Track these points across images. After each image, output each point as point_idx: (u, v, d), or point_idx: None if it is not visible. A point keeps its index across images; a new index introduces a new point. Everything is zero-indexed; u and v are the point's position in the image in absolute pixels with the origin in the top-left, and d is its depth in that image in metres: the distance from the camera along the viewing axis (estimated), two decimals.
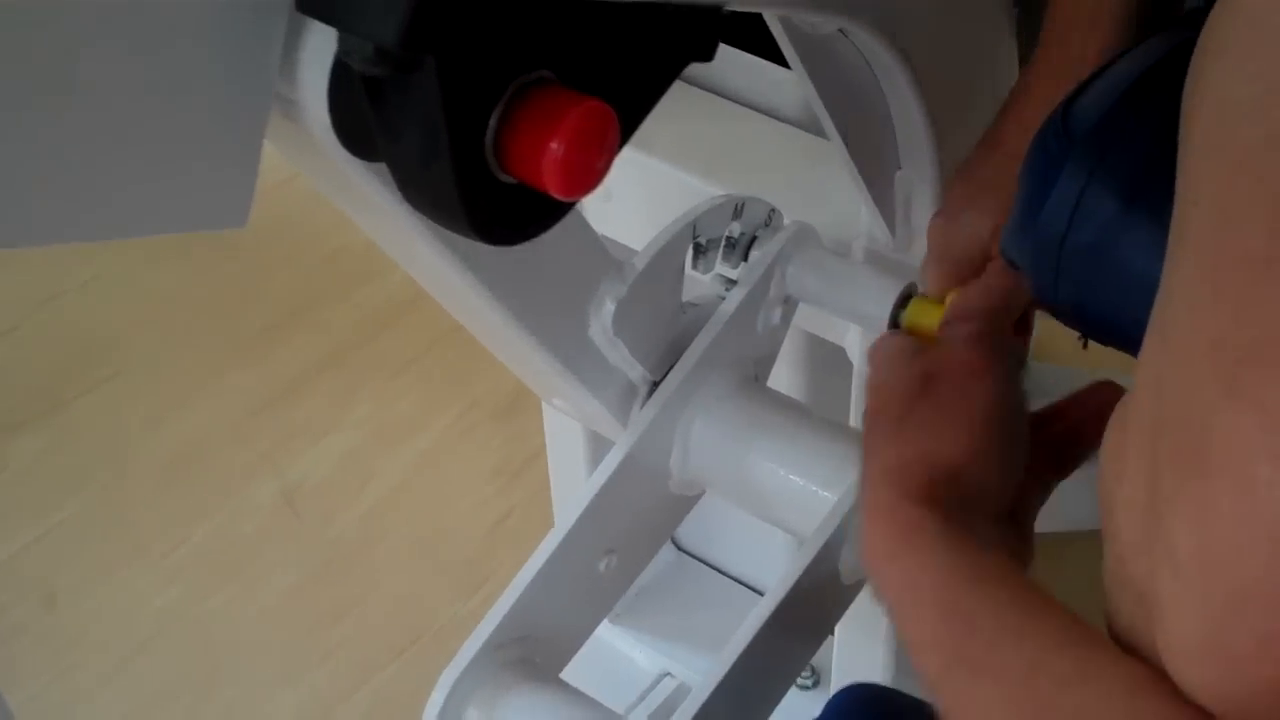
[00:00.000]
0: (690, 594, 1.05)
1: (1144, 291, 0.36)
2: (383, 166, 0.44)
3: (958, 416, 0.49)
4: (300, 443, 1.25)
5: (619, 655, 1.04)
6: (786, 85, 0.76)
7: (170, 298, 1.39)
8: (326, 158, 0.45)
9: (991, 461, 0.48)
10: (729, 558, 1.06)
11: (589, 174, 0.41)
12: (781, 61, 0.74)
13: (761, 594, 0.63)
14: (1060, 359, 1.19)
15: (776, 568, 1.01)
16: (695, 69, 0.77)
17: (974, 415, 0.48)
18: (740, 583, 1.06)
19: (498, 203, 0.42)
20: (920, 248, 0.67)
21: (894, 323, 0.63)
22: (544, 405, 0.94)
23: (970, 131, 0.62)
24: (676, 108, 0.77)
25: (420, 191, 0.41)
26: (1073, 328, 0.48)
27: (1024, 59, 0.66)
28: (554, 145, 0.40)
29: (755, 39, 0.75)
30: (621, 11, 0.42)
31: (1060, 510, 0.77)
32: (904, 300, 0.62)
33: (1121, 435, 0.36)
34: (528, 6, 0.39)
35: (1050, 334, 1.17)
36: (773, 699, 0.62)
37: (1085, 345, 0.50)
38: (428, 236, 0.51)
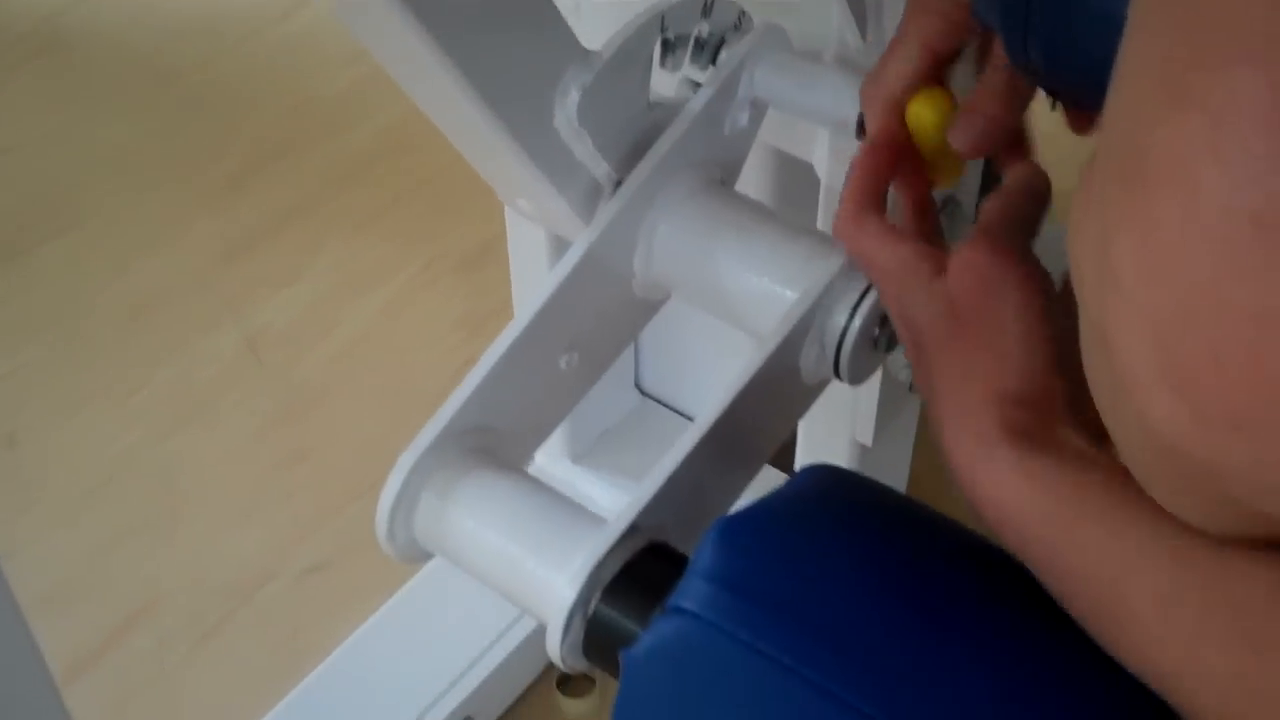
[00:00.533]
0: (653, 437, 1.05)
1: (1110, 33, 0.36)
2: None
3: (1001, 342, 0.48)
4: (264, 291, 1.24)
5: (581, 496, 1.04)
6: None
7: (133, 150, 1.37)
8: None
9: (1053, 365, 0.48)
10: (692, 401, 1.06)
11: None
12: None
13: None
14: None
15: None
16: None
17: (1017, 333, 0.48)
18: None
19: None
20: None
21: (862, 126, 0.62)
22: (508, 225, 0.93)
23: None
24: None
25: None
26: (1045, 86, 0.48)
27: None
28: None
29: None
30: None
31: None
32: None
33: (1084, 189, 0.35)
34: None
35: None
36: (739, 486, 0.62)
37: (1054, 107, 0.50)
38: (408, 17, 0.51)
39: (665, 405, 1.08)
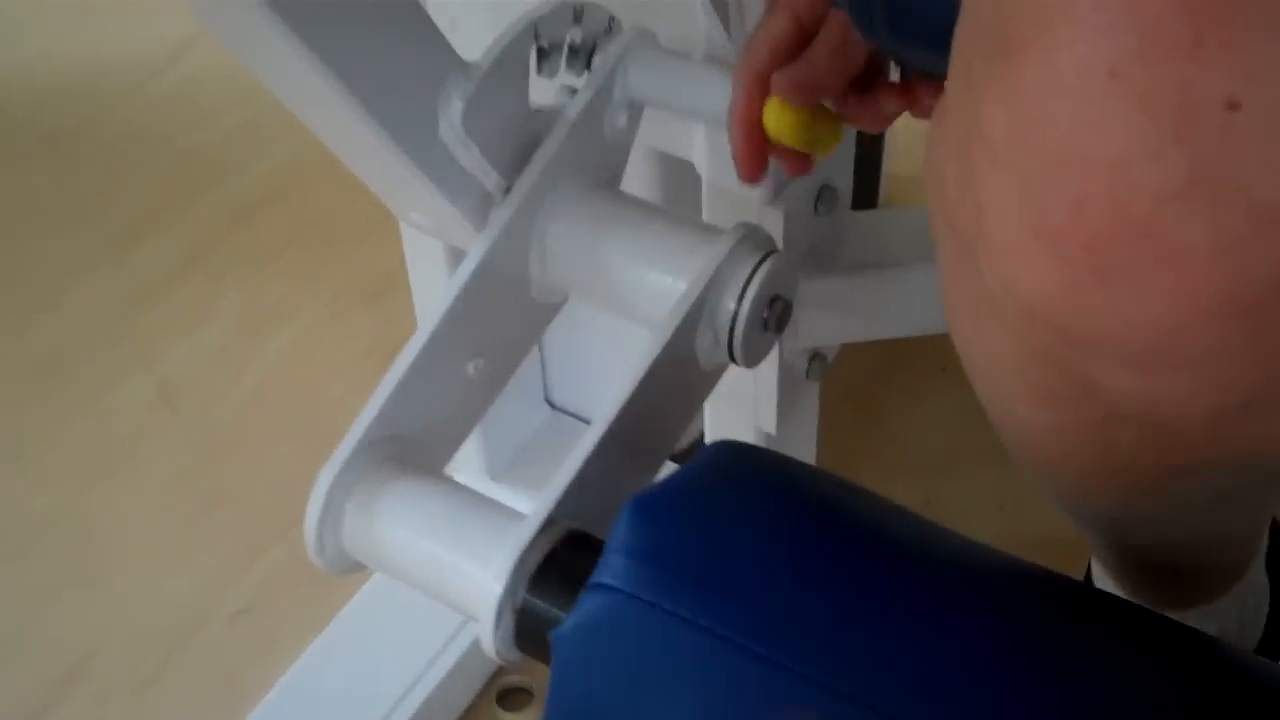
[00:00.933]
0: (567, 448, 1.07)
1: (946, 3, 0.38)
2: None
3: None
4: (170, 339, 1.24)
5: None
6: None
7: (22, 210, 1.37)
8: None
9: None
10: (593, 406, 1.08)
11: None
12: None
13: None
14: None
15: None
16: None
17: None
18: None
19: None
20: None
21: None
22: (406, 246, 0.95)
23: None
24: None
25: None
26: (890, 55, 0.51)
27: None
28: None
29: None
30: None
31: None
32: None
33: (940, 110, 0.38)
34: None
35: (906, 178, 1.21)
36: (649, 474, 0.64)
37: (902, 77, 0.52)
38: (291, 38, 0.52)
39: (576, 417, 1.10)
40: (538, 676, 1.00)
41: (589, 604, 0.53)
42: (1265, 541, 0.75)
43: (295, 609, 1.05)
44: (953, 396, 1.10)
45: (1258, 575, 0.73)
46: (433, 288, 0.94)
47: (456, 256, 0.93)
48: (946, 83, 0.37)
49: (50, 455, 1.16)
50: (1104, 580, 0.72)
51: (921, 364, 1.14)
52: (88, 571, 1.09)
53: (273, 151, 1.40)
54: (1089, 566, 0.76)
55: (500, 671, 1.00)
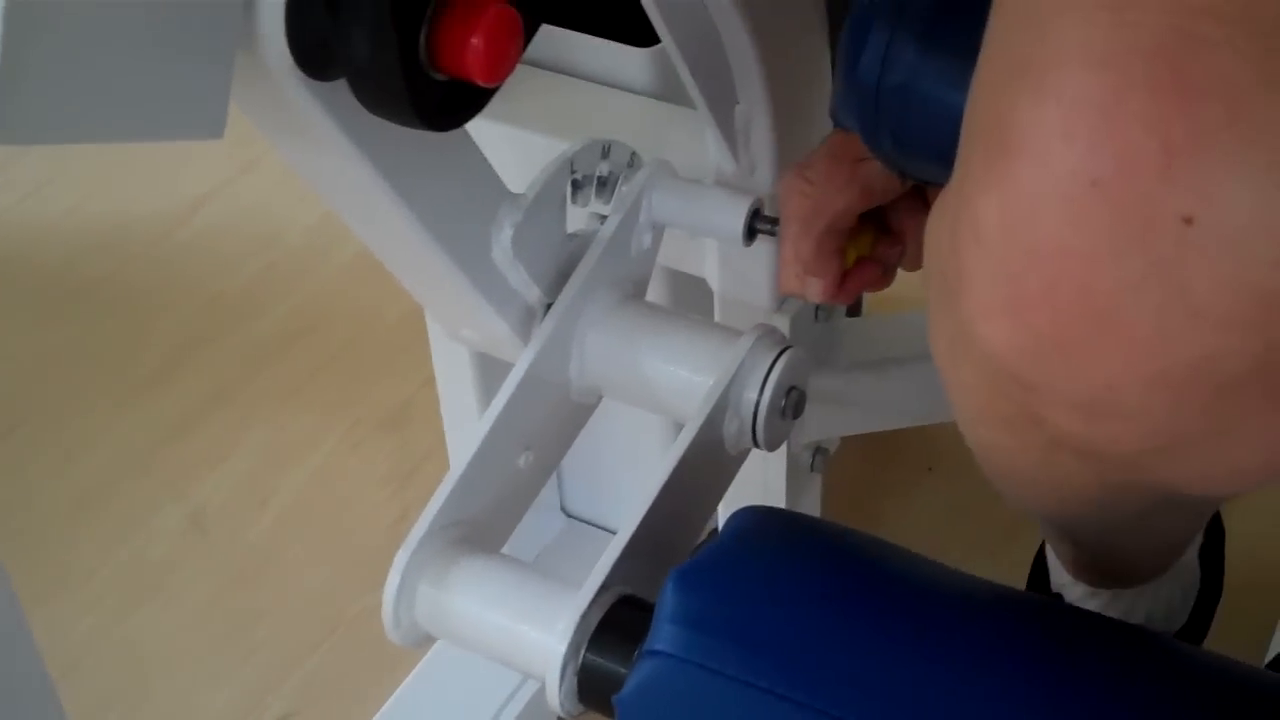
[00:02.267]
0: (584, 552, 1.15)
1: (948, 117, 0.47)
2: (328, 94, 0.55)
3: None
4: (201, 470, 1.32)
5: None
6: (634, 61, 0.87)
7: (57, 357, 1.45)
8: (279, 86, 0.55)
9: None
10: (613, 517, 1.16)
11: (504, 63, 0.52)
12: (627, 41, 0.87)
13: None
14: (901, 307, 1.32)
15: None
16: (554, 54, 0.89)
17: None
18: None
19: (435, 95, 0.53)
20: (761, 175, 0.79)
21: (749, 232, 0.74)
22: (435, 359, 1.03)
23: (792, 70, 0.75)
24: (541, 88, 0.89)
25: (374, 92, 0.52)
26: (894, 167, 0.60)
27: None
28: (475, 41, 0.51)
29: (605, 26, 0.87)
30: None
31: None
32: (754, 212, 0.74)
33: (944, 191, 0.46)
34: None
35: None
36: (687, 544, 0.72)
37: (904, 181, 0.62)
38: (362, 162, 0.61)
39: (590, 524, 1.18)
40: None
41: (646, 669, 0.59)
42: (1200, 533, 0.83)
43: (335, 712, 1.12)
44: (940, 494, 1.18)
45: (1190, 558, 0.81)
46: (462, 402, 1.03)
47: (485, 377, 1.02)
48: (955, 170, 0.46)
49: (92, 581, 1.23)
50: (1055, 564, 0.81)
51: (911, 464, 1.23)
52: (132, 691, 1.16)
53: (292, 295, 1.50)
54: (1041, 546, 0.85)
55: None
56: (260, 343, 1.45)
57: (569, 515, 1.18)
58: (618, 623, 0.64)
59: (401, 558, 0.69)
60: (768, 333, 0.71)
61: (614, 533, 1.17)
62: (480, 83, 0.52)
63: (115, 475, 1.32)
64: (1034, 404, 0.43)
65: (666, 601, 0.61)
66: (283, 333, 1.45)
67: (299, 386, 1.41)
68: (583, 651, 0.64)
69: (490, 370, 1.01)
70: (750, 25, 0.72)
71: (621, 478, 1.13)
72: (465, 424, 1.05)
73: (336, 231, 1.54)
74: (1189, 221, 0.37)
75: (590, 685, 0.64)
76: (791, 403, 0.72)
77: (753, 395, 0.70)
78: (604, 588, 0.66)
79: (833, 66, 0.69)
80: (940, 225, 0.45)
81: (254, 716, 1.13)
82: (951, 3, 0.48)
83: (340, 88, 0.55)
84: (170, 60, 0.50)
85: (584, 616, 0.64)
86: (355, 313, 1.47)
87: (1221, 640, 0.88)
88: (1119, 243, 0.38)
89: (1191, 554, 0.83)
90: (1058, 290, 0.39)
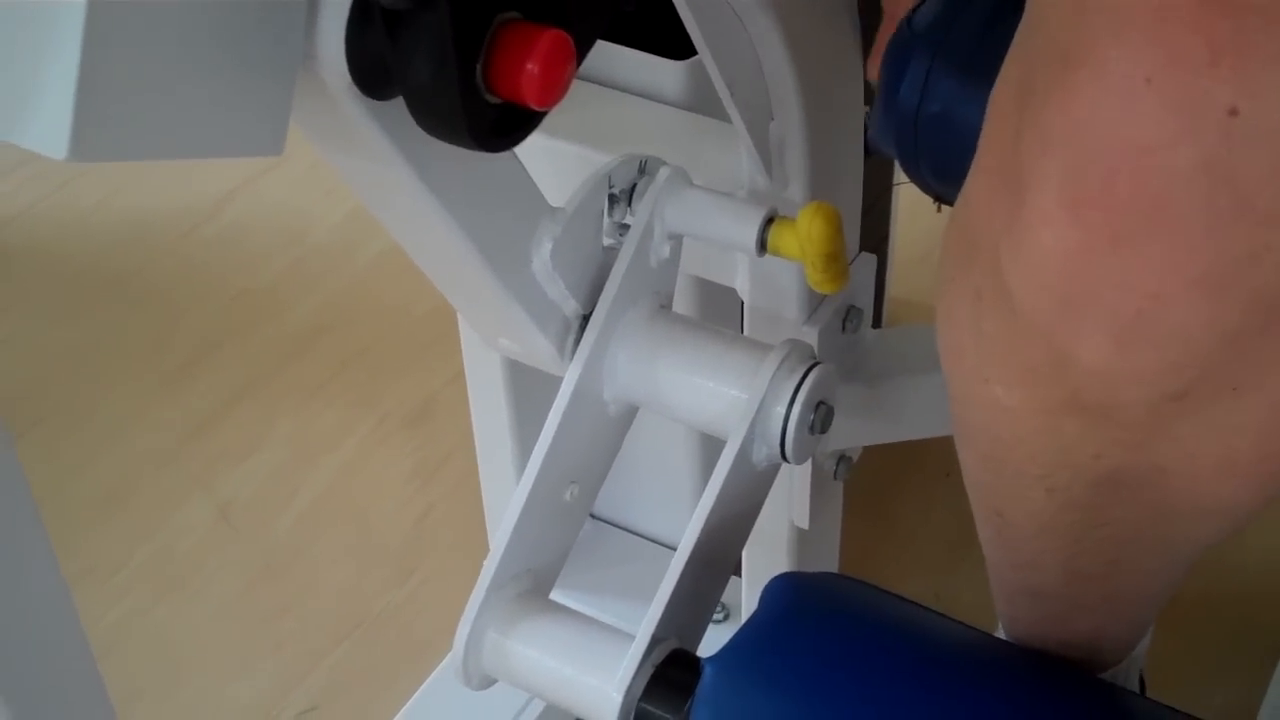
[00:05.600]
0: (610, 554, 1.17)
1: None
2: (383, 112, 0.56)
3: None
4: (228, 464, 1.34)
5: None
6: (670, 73, 0.89)
7: (85, 350, 1.47)
8: (336, 104, 0.56)
9: None
10: (636, 517, 1.18)
11: (557, 87, 0.53)
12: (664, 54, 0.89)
13: (671, 549, 0.74)
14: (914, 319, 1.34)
15: (680, 523, 1.13)
16: (590, 65, 0.90)
17: None
18: (650, 539, 1.18)
19: (489, 118, 0.54)
20: (793, 190, 0.81)
21: (761, 244, 0.74)
22: (466, 358, 1.04)
23: (826, 90, 0.77)
24: (577, 99, 0.91)
25: (431, 113, 0.53)
26: (931, 193, 0.62)
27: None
28: (530, 66, 0.53)
29: (642, 38, 0.89)
30: None
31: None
32: (768, 221, 0.74)
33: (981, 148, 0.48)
34: None
35: (904, 301, 1.32)
36: (726, 571, 0.74)
37: (939, 209, 0.63)
38: (412, 177, 0.63)
39: (614, 525, 1.20)
40: None
41: None
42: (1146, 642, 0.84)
43: (358, 706, 1.14)
44: (957, 498, 1.19)
45: (1139, 657, 0.82)
46: (490, 400, 1.04)
47: (514, 377, 1.04)
48: (992, 100, 0.48)
49: (121, 573, 1.25)
50: None
51: (930, 470, 1.25)
52: (159, 681, 1.18)
53: (317, 291, 1.52)
54: None
55: None
56: (286, 338, 1.47)
57: (594, 517, 1.20)
58: (667, 675, 0.68)
59: (469, 615, 0.71)
60: (796, 347, 0.73)
61: (634, 533, 1.20)
62: (534, 107, 0.53)
63: (143, 468, 1.34)
64: (1068, 334, 0.45)
65: (705, 694, 0.64)
66: (308, 328, 1.47)
67: (324, 382, 1.43)
68: (637, 701, 0.67)
69: (519, 370, 1.03)
70: (787, 45, 0.73)
71: (642, 479, 1.15)
72: (494, 422, 1.06)
73: (362, 229, 1.56)
74: (1234, 113, 0.40)
75: None
76: (820, 418, 0.73)
77: (782, 410, 0.72)
78: (655, 640, 0.68)
79: (866, 88, 0.71)
80: (977, 181, 0.47)
81: (278, 709, 1.15)
82: (992, 33, 0.50)
83: (394, 106, 0.56)
84: (235, 78, 0.52)
85: (639, 668, 0.67)
86: (380, 309, 1.49)
87: None
88: (1170, 133, 0.41)
89: (1141, 652, 0.83)
90: (1115, 183, 0.42)
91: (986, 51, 0.53)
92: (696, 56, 0.83)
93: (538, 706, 1.11)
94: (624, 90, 0.91)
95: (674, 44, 0.87)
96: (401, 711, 1.09)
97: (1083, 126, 0.43)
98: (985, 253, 0.46)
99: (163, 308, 1.51)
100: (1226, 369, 0.47)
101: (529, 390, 1.04)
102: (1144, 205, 0.42)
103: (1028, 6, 0.48)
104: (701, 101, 0.88)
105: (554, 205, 0.73)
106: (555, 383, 0.76)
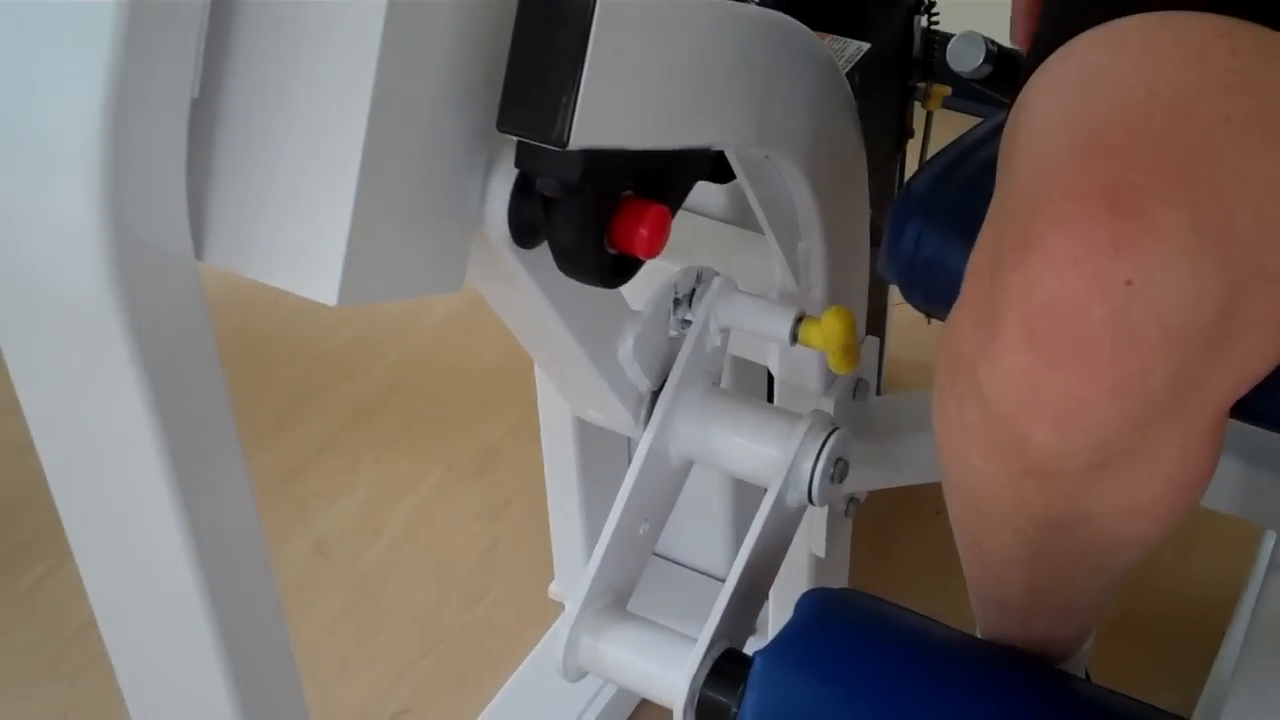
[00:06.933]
0: (648, 581, 1.37)
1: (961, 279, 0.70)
2: (528, 256, 0.77)
3: None
4: (321, 504, 1.54)
5: None
6: (717, 194, 1.10)
7: None
8: (496, 251, 0.77)
9: None
10: (670, 545, 1.37)
11: (659, 244, 0.75)
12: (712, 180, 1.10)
13: (704, 575, 0.87)
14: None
15: (715, 553, 1.34)
16: None
17: None
18: (688, 568, 1.36)
19: (609, 263, 0.75)
20: (815, 294, 1.03)
21: (793, 336, 0.96)
22: (542, 418, 1.24)
23: (843, 221, 0.99)
24: None
25: (572, 263, 0.74)
26: (922, 311, 0.83)
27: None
28: (643, 231, 0.74)
29: None
30: (666, 156, 0.77)
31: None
32: (797, 320, 0.95)
33: (965, 288, 0.67)
34: (625, 160, 0.74)
35: (898, 364, 1.53)
36: (766, 586, 0.95)
37: (929, 322, 0.85)
38: (543, 299, 0.82)
39: (658, 555, 1.40)
40: None
41: None
42: (1090, 643, 0.98)
43: (443, 709, 1.34)
44: (944, 531, 1.39)
45: (1085, 650, 0.98)
46: (561, 452, 1.25)
47: (583, 431, 1.24)
48: (971, 263, 0.65)
49: None
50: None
51: (923, 510, 1.45)
52: None
53: (386, 355, 1.72)
54: None
55: None
56: (362, 397, 1.67)
57: None
58: (723, 669, 0.87)
59: (566, 620, 0.91)
60: (820, 417, 0.95)
61: (675, 562, 1.40)
62: (643, 257, 0.75)
63: None
64: (1025, 424, 0.62)
65: (756, 677, 0.83)
66: (381, 388, 1.68)
67: (398, 435, 1.63)
68: (700, 689, 0.86)
69: (586, 429, 1.24)
70: (811, 187, 0.95)
71: (683, 515, 1.35)
72: (563, 469, 1.26)
73: (422, 300, 1.77)
74: (1130, 283, 0.56)
75: (705, 713, 0.86)
76: (839, 471, 0.95)
77: (809, 465, 0.93)
78: (713, 641, 0.88)
79: (874, 231, 0.93)
80: (962, 311, 0.67)
81: (375, 711, 1.35)
82: (968, 202, 0.70)
83: (536, 252, 0.76)
84: (439, 234, 0.69)
85: (701, 664, 0.86)
86: (443, 371, 1.70)
87: None
88: (1090, 296, 0.59)
89: (1085, 654, 0.98)
90: (1055, 327, 0.60)
91: (964, 216, 0.75)
92: (735, 180, 1.04)
93: (596, 709, 1.31)
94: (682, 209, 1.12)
95: (719, 171, 1.08)
96: (484, 713, 1.30)
97: (1034, 289, 0.58)
98: (967, 368, 0.66)
99: (252, 368, 1.70)
100: (1132, 446, 0.64)
101: (594, 446, 1.25)
102: (1073, 341, 0.59)
103: (995, 193, 0.68)
104: (741, 217, 1.10)
105: (633, 308, 0.95)
106: (614, 439, 0.94)
